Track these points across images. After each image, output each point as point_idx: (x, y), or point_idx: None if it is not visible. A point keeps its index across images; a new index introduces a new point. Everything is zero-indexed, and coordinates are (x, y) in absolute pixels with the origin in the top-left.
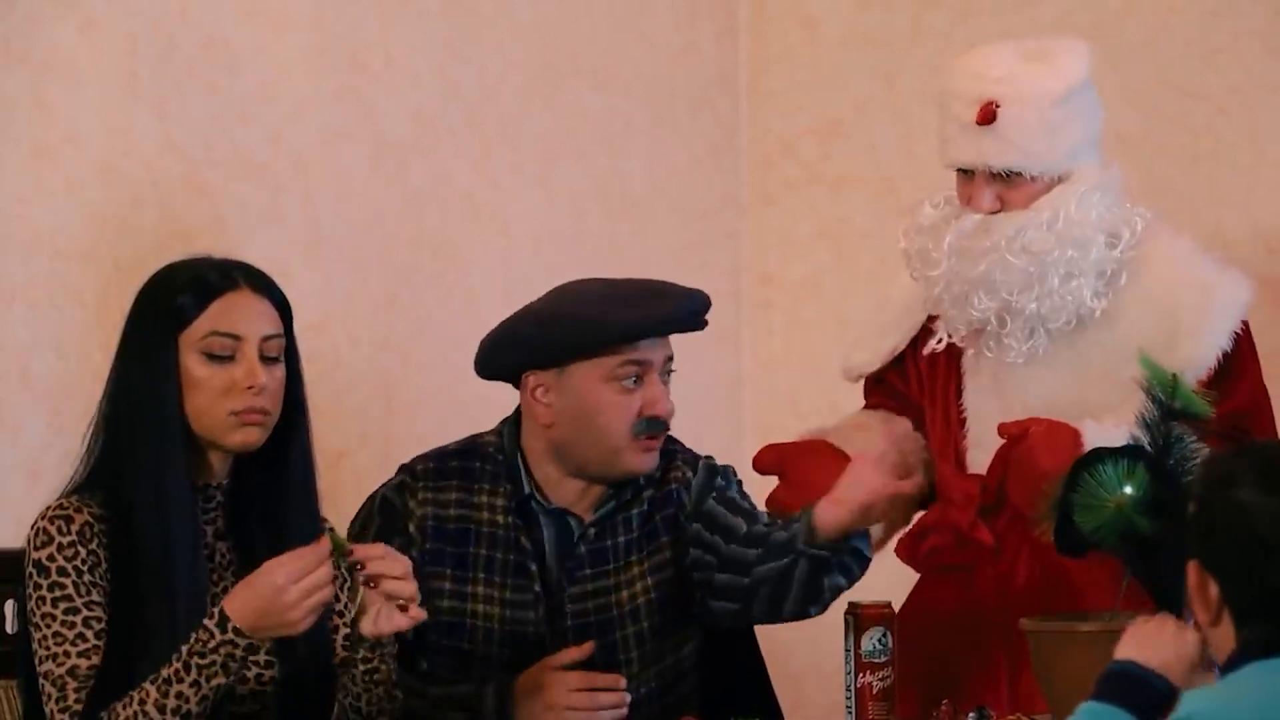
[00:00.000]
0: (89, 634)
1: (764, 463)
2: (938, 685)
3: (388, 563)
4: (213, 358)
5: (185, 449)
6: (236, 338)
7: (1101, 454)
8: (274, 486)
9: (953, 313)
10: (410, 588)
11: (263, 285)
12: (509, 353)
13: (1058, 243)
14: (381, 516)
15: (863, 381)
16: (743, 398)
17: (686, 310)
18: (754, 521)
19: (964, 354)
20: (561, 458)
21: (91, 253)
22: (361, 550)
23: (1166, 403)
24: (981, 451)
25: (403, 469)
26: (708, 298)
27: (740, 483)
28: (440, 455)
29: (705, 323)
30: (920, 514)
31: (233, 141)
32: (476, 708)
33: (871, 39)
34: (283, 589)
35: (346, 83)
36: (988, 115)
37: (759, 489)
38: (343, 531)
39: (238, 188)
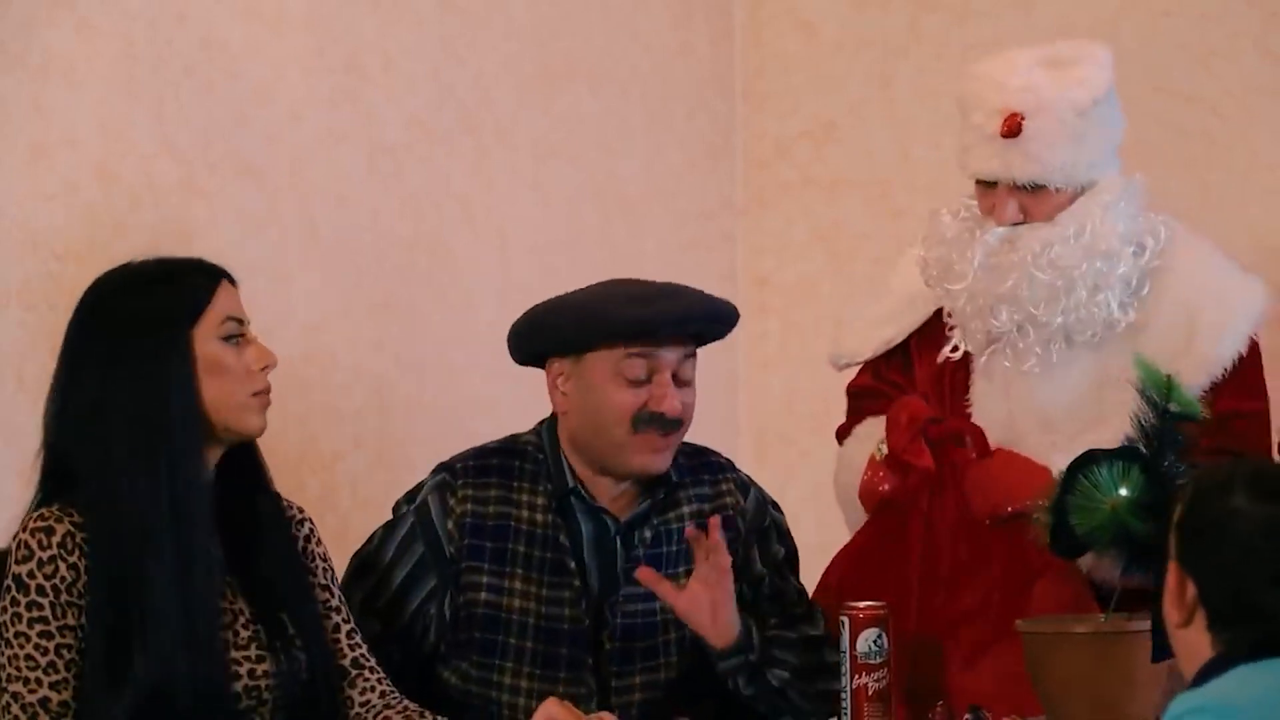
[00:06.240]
0: (59, 664)
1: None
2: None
3: None
4: (230, 341)
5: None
6: (242, 321)
7: (1097, 456)
8: (247, 480)
9: (974, 324)
10: None
11: (227, 272)
12: (531, 338)
13: (1085, 256)
14: (417, 517)
15: (854, 372)
16: (738, 400)
17: (699, 312)
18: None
19: (975, 359)
20: (579, 450)
21: (88, 254)
22: None
23: (1161, 405)
24: None
25: (442, 467)
26: (732, 308)
27: (785, 524)
28: (480, 453)
29: (726, 330)
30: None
31: (229, 144)
32: None
33: (867, 42)
34: None
35: (343, 85)
36: (1013, 128)
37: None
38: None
39: (234, 190)
